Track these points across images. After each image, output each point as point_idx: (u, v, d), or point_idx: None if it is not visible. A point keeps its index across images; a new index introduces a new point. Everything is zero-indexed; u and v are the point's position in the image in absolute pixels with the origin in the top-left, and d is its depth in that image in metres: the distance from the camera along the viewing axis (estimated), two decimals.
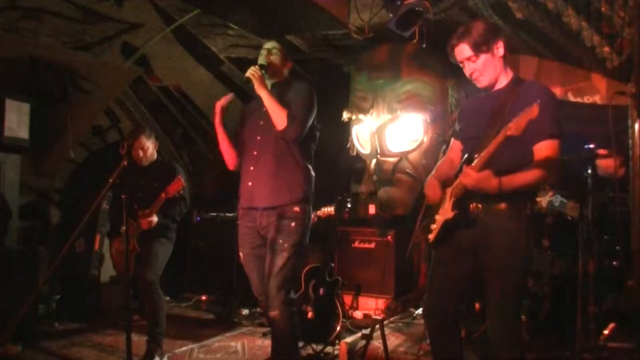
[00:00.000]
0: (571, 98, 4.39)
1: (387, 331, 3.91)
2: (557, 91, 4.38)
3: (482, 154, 2.11)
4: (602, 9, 3.24)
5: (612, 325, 3.38)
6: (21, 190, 4.58)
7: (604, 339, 3.31)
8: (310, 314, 3.76)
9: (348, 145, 4.97)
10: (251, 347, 3.96)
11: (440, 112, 4.54)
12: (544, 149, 2.14)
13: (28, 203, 5.00)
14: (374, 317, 4.54)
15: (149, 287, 3.48)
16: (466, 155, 2.24)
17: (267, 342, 3.97)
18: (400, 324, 4.28)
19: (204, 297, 5.56)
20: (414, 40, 4.46)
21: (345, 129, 4.94)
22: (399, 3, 3.76)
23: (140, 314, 4.42)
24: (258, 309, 4.82)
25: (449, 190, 2.30)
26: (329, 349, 3.69)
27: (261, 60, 2.85)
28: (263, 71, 2.78)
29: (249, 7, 3.50)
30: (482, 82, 2.30)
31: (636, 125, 3.24)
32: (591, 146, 3.41)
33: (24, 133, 4.37)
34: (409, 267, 5.05)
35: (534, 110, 1.93)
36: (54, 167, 5.22)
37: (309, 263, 4.01)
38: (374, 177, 4.79)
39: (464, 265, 2.29)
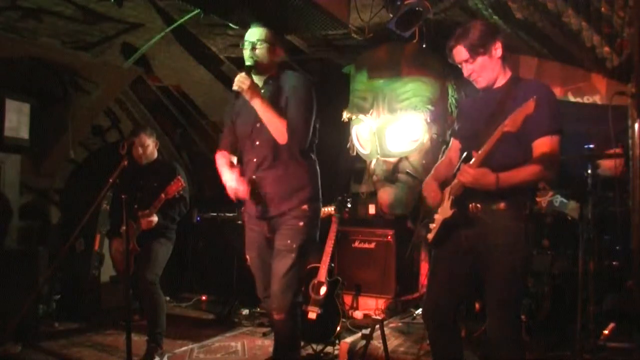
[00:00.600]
0: (571, 98, 4.39)
1: (387, 331, 3.91)
2: (557, 91, 4.37)
3: (480, 152, 2.11)
4: (602, 9, 3.24)
5: (612, 325, 3.38)
6: (21, 190, 4.58)
7: (604, 339, 3.31)
8: (312, 315, 3.76)
9: (348, 145, 4.97)
10: (251, 347, 3.96)
11: (440, 112, 4.53)
12: (542, 145, 2.14)
13: (28, 203, 5.00)
14: (374, 317, 4.54)
15: (149, 287, 3.48)
16: (465, 154, 2.24)
17: (267, 342, 3.97)
18: (400, 324, 4.27)
19: (204, 297, 5.56)
20: (414, 40, 4.46)
21: (345, 129, 4.94)
22: (399, 3, 3.76)
23: (140, 314, 4.42)
24: (258, 309, 4.83)
25: (447, 189, 2.30)
26: (329, 349, 3.69)
27: (247, 60, 2.62)
28: (253, 71, 2.60)
29: (249, 7, 3.49)
30: (480, 82, 2.31)
31: (636, 125, 3.25)
32: (591, 146, 3.41)
33: (24, 133, 4.37)
34: (409, 267, 5.04)
35: (529, 106, 1.93)
36: (54, 167, 5.22)
37: (309, 263, 4.01)
38: (374, 177, 4.79)
39: (463, 264, 2.29)
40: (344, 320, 4.01)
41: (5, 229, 4.24)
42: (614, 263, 3.71)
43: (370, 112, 4.66)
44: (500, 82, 2.31)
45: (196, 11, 4.11)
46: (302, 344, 3.57)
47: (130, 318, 2.87)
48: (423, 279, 4.78)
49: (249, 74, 2.60)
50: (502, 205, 2.17)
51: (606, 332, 3.34)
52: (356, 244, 5.05)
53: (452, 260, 2.31)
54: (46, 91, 4.77)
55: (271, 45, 2.66)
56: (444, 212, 2.28)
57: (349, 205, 4.34)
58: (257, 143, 2.66)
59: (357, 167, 5.58)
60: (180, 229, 3.85)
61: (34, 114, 4.45)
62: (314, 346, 3.70)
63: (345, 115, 4.81)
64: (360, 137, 4.88)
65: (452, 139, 2.56)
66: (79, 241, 4.85)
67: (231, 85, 2.61)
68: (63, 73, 4.72)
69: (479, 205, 2.20)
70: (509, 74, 2.32)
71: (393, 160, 4.60)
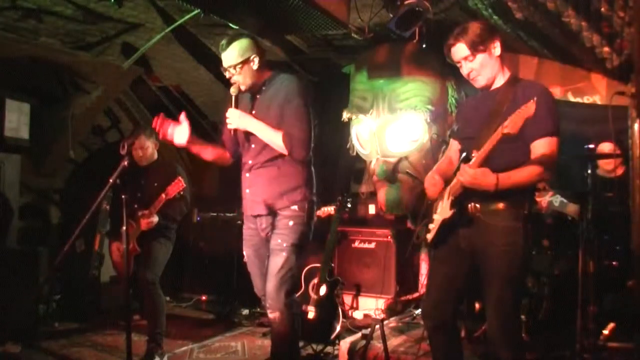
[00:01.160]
0: (571, 98, 4.39)
1: (387, 331, 3.91)
2: (557, 91, 4.37)
3: (479, 153, 2.11)
4: (602, 9, 3.23)
5: (612, 325, 3.38)
6: (21, 190, 4.58)
7: (604, 339, 3.31)
8: (311, 314, 3.76)
9: (348, 145, 4.97)
10: (251, 347, 3.96)
11: (440, 112, 4.54)
12: (541, 146, 2.14)
13: (28, 203, 5.00)
14: (374, 317, 4.54)
15: (149, 287, 3.48)
16: (464, 155, 2.24)
17: (267, 342, 3.96)
18: (400, 324, 4.27)
19: (204, 297, 5.56)
20: (414, 40, 4.46)
21: (345, 129, 4.94)
22: (399, 3, 3.76)
23: (140, 314, 4.42)
24: (258, 309, 4.83)
25: (447, 189, 2.30)
26: (329, 349, 3.69)
27: (232, 90, 2.66)
28: (241, 94, 2.65)
29: (249, 7, 3.50)
30: (479, 81, 2.31)
31: (636, 125, 3.24)
32: (591, 146, 3.41)
33: (24, 133, 4.37)
34: (409, 267, 5.05)
35: (530, 108, 1.93)
36: (54, 167, 5.22)
37: (309, 263, 4.01)
38: (374, 177, 4.79)
39: (462, 265, 2.29)
40: (344, 320, 4.01)
41: (5, 229, 4.24)
42: (614, 263, 3.71)
43: (370, 112, 4.67)
44: (499, 82, 2.31)
45: (196, 11, 4.11)
46: (302, 344, 3.58)
47: (130, 318, 2.87)
48: (423, 279, 4.78)
49: (237, 100, 2.67)
50: (501, 205, 2.17)
51: (606, 332, 3.34)
52: (356, 244, 5.05)
53: (452, 261, 2.32)
54: (46, 91, 4.77)
55: (247, 60, 2.62)
56: (444, 212, 2.28)
57: (349, 205, 4.34)
58: (253, 146, 2.72)
59: (357, 167, 5.58)
60: (180, 229, 3.85)
61: (34, 114, 4.45)
62: (314, 346, 3.70)
63: (345, 115, 4.81)
64: (360, 137, 4.88)
65: (451, 139, 2.57)
66: (79, 241, 4.85)
67: (231, 86, 2.67)
68: (63, 73, 4.72)
69: (478, 205, 2.20)
70: (507, 73, 2.32)
71: (393, 160, 4.61)
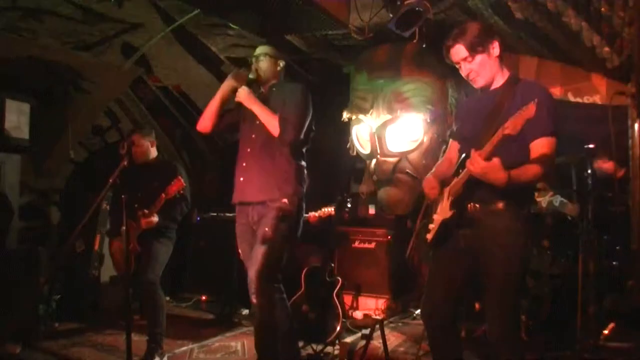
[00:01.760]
0: (571, 98, 4.39)
1: (387, 331, 3.91)
2: (557, 91, 4.37)
3: (480, 153, 2.11)
4: (602, 9, 3.24)
5: (612, 325, 3.38)
6: (21, 190, 4.58)
7: (604, 339, 3.32)
8: (310, 314, 3.76)
9: (348, 145, 4.97)
10: (251, 347, 3.94)
11: (440, 112, 4.53)
12: (541, 146, 2.14)
13: (28, 203, 5.00)
14: (374, 317, 4.54)
15: (150, 287, 3.48)
16: (464, 155, 2.24)
17: None
18: (400, 324, 4.28)
19: (204, 297, 5.56)
20: (414, 40, 4.46)
21: (345, 129, 4.94)
22: (399, 3, 3.76)
23: (140, 314, 4.42)
24: None
25: (447, 190, 2.30)
26: (329, 349, 3.68)
27: (251, 74, 2.98)
28: (255, 83, 2.95)
29: (249, 7, 3.50)
30: (478, 82, 2.31)
31: (636, 125, 3.25)
32: (591, 146, 3.41)
33: (24, 133, 4.37)
34: (409, 267, 5.04)
35: (530, 110, 1.93)
36: (54, 167, 5.22)
37: (309, 263, 4.01)
38: (374, 177, 4.79)
39: (462, 265, 2.29)
40: (344, 320, 4.01)
41: (5, 229, 4.24)
42: (614, 263, 3.71)
43: (370, 112, 4.66)
44: (499, 82, 2.31)
45: (196, 11, 4.11)
46: (302, 343, 3.59)
47: (130, 318, 2.87)
48: (423, 280, 4.78)
49: (250, 85, 2.96)
50: (500, 205, 2.17)
51: (606, 332, 3.34)
52: (356, 244, 5.05)
53: (451, 261, 2.32)
54: (46, 91, 4.76)
55: (274, 57, 3.03)
56: (443, 212, 2.28)
57: (349, 205, 4.35)
58: (253, 136, 2.94)
59: (357, 167, 5.58)
60: (180, 229, 3.85)
61: (34, 114, 4.45)
62: (314, 346, 3.70)
63: (345, 115, 4.81)
64: (360, 137, 4.88)
65: (450, 140, 2.57)
66: (79, 241, 4.85)
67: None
68: (63, 73, 4.72)
69: (477, 205, 2.20)
70: (506, 74, 2.32)
71: (393, 160, 4.60)
